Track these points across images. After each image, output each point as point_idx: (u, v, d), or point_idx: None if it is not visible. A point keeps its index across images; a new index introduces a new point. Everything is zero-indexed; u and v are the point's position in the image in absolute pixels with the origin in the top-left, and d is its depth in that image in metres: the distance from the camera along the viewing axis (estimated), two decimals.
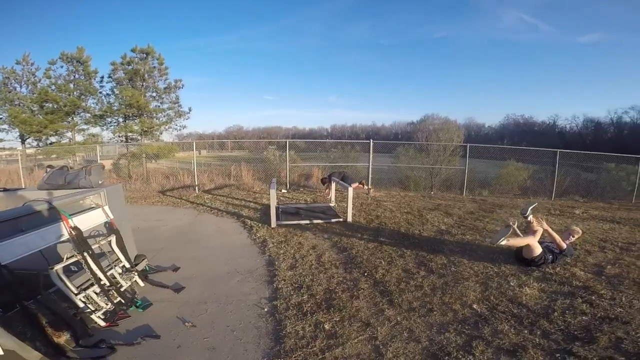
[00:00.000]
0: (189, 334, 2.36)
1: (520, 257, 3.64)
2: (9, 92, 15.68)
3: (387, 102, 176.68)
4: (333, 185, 6.66)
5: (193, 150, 8.50)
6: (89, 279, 2.48)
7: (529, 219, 3.61)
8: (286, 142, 8.56)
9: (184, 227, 5.23)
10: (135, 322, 2.50)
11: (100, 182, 3.01)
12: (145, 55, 15.96)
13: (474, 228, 5.09)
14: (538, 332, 2.34)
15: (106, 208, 2.78)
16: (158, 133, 16.54)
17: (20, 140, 16.08)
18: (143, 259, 3.35)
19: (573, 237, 3.78)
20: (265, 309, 2.65)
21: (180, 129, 17.36)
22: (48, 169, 3.15)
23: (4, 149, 16.97)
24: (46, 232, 2.19)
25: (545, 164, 9.99)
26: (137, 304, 2.69)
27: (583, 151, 9.30)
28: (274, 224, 5.05)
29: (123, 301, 2.62)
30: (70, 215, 2.39)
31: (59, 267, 2.25)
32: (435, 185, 9.70)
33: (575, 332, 2.34)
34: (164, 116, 16.76)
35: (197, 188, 8.24)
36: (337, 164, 9.76)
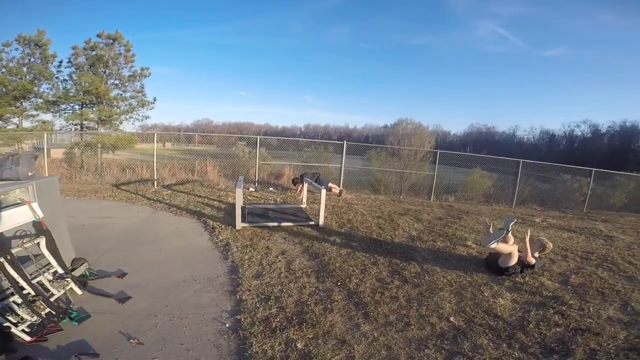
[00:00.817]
0: (134, 352, 2.01)
1: (492, 265, 3.62)
2: None
3: (361, 105, 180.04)
4: (305, 186, 6.40)
5: (154, 141, 7.82)
6: (9, 288, 2.05)
7: (509, 235, 3.59)
8: (257, 139, 8.17)
9: (137, 226, 4.71)
10: (69, 336, 2.13)
11: (30, 173, 2.52)
12: (111, 41, 14.97)
13: (444, 235, 5.07)
14: (516, 346, 2.26)
15: (35, 205, 2.31)
16: (117, 122, 15.38)
17: None
18: (82, 263, 2.91)
19: (544, 251, 3.82)
20: (227, 325, 2.34)
21: (143, 119, 16.30)
22: None
23: None
24: None
25: (505, 173, 10.47)
26: (72, 316, 2.29)
27: (544, 162, 9.84)
28: (239, 225, 4.69)
29: (54, 312, 2.22)
30: None
31: None
32: (404, 190, 9.78)
33: (552, 345, 2.29)
34: (126, 105, 15.64)
35: (156, 183, 7.59)
36: (309, 164, 9.51)
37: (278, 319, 2.40)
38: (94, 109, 14.54)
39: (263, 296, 2.76)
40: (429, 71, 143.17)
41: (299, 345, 2.11)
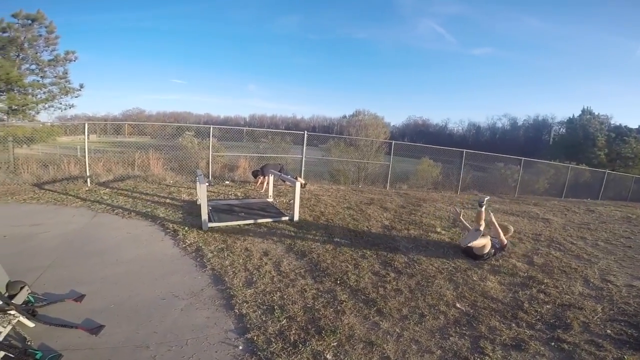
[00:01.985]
0: None
1: (469, 252, 3.82)
2: None
3: (308, 96, 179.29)
4: (271, 178, 6.03)
5: (85, 133, 6.56)
6: None
7: (482, 209, 3.81)
8: (210, 128, 7.45)
9: (78, 233, 3.91)
10: None
11: None
12: (30, 21, 12.40)
13: (413, 223, 5.22)
14: (524, 324, 2.39)
15: None
16: (33, 112, 12.89)
17: None
18: (22, 287, 2.27)
19: (507, 234, 4.14)
20: (240, 347, 2.01)
21: (65, 109, 13.95)
22: None
23: None
24: None
25: (446, 162, 11.37)
26: (38, 357, 1.77)
27: (483, 152, 10.85)
28: (206, 226, 4.21)
29: (11, 355, 1.73)
30: None
31: None
32: (362, 179, 9.98)
33: (551, 321, 2.46)
34: (44, 93, 13.17)
35: (89, 180, 6.44)
36: (266, 155, 9.07)
37: (293, 331, 2.16)
38: (1, 97, 11.97)
39: (265, 307, 2.46)
40: (372, 64, 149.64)
41: (329, 357, 1.91)
